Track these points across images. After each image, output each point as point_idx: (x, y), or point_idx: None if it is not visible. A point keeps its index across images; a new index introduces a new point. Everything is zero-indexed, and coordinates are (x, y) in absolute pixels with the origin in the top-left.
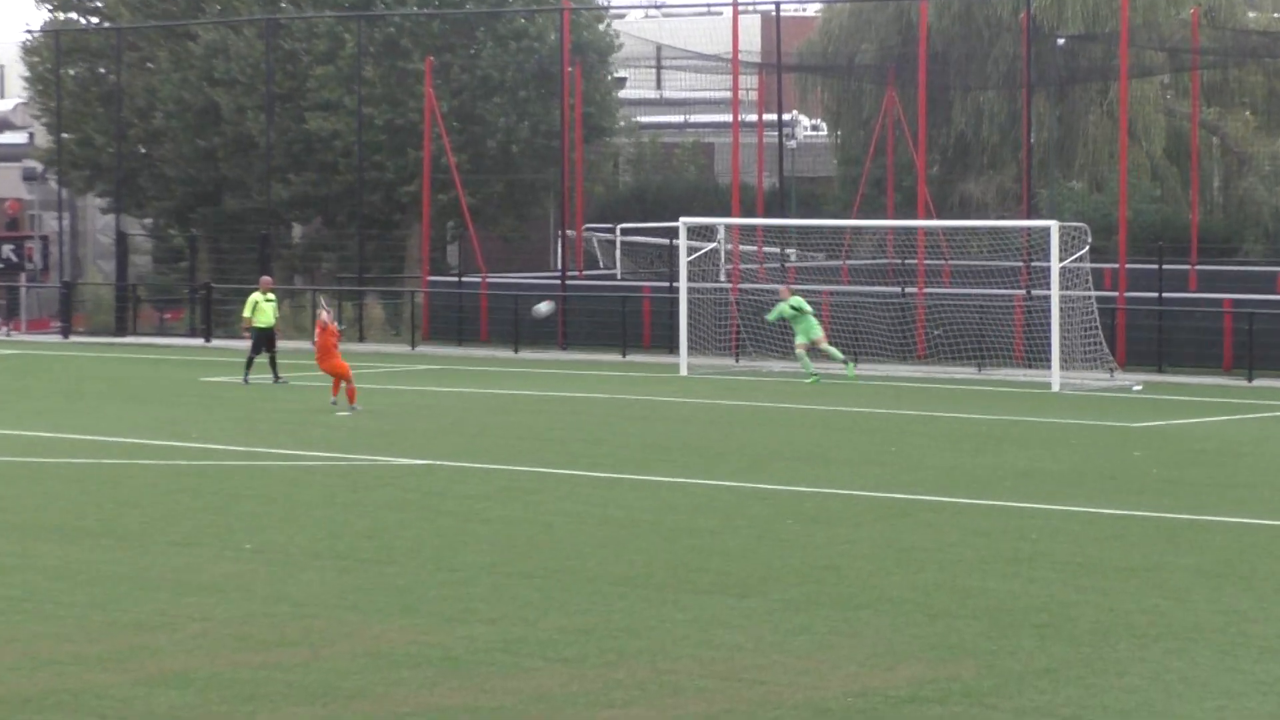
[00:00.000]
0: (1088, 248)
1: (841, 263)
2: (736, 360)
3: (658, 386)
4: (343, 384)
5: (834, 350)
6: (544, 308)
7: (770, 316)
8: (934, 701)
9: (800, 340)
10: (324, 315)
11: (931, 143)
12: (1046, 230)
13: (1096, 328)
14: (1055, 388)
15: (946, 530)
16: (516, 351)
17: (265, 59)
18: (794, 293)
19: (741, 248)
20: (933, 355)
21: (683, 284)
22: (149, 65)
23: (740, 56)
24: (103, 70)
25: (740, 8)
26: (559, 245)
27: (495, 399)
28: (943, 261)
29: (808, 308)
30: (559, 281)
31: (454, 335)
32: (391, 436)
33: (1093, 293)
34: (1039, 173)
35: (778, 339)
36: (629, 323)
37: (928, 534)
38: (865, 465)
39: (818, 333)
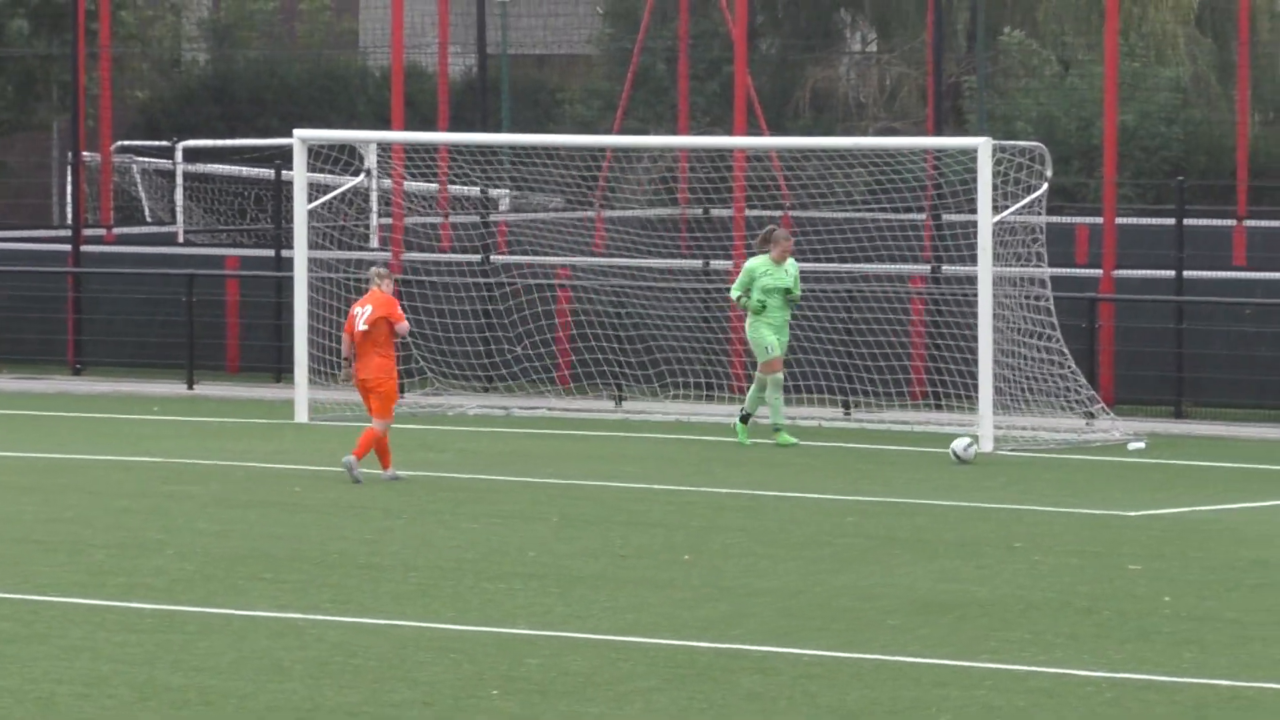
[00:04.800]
0: (1046, 186)
1: (595, 212)
2: (402, 394)
3: (253, 443)
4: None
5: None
6: (964, 448)
7: (753, 302)
8: None
9: (772, 353)
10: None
11: None
12: (971, 154)
13: (1056, 337)
14: (985, 446)
15: (785, 708)
16: None
17: None
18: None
19: (410, 186)
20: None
21: (299, 253)
22: None
23: None
24: None
25: None
26: (69, 180)
27: None
28: (780, 212)
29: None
30: (69, 247)
31: None
32: None
33: (1047, 271)
34: (958, 46)
35: (477, 353)
36: (200, 325)
37: (753, 713)
38: (637, 587)
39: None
